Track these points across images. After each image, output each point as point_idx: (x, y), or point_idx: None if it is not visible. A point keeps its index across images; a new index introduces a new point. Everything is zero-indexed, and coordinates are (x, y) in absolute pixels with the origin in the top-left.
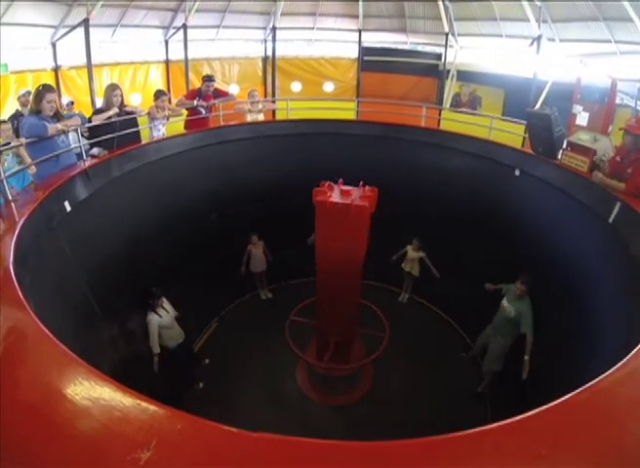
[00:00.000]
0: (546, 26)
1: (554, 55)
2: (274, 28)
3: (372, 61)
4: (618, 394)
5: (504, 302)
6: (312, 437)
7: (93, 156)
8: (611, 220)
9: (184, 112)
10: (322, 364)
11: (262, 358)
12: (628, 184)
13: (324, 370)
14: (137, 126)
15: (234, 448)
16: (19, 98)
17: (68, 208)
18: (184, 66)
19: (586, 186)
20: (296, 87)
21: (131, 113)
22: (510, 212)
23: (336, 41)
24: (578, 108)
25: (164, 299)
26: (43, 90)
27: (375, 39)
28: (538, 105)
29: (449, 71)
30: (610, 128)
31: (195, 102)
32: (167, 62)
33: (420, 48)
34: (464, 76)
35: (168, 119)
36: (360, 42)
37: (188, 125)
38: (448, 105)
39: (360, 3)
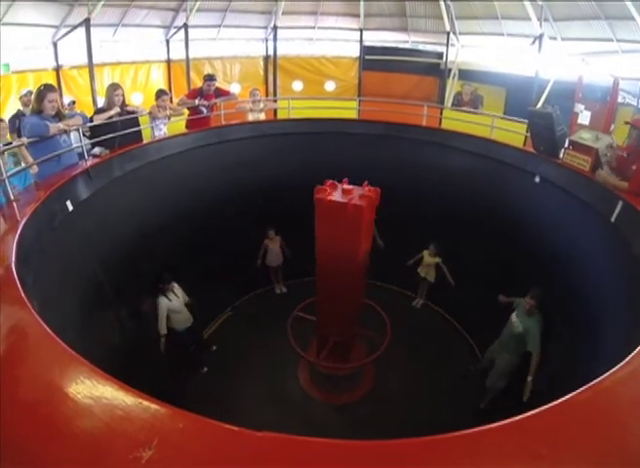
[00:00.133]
0: (548, 25)
1: (556, 53)
2: (275, 27)
3: (373, 60)
4: (619, 394)
5: (513, 317)
6: (314, 436)
7: (94, 156)
8: (613, 219)
9: (186, 112)
10: (318, 361)
11: (266, 353)
12: (631, 183)
13: (323, 369)
14: (138, 125)
15: (236, 448)
16: (20, 98)
17: (70, 207)
18: (186, 66)
19: (588, 185)
20: (297, 86)
21: (132, 113)
22: (511, 211)
23: (337, 40)
24: (579, 107)
25: (175, 285)
26: (44, 89)
27: (376, 38)
28: (539, 104)
29: (450, 70)
30: (612, 127)
31: (196, 102)
32: (168, 62)
33: (421, 47)
34: (466, 75)
35: (169, 118)
36: (361, 41)
37: (190, 124)
38: (449, 104)
39: (361, 2)
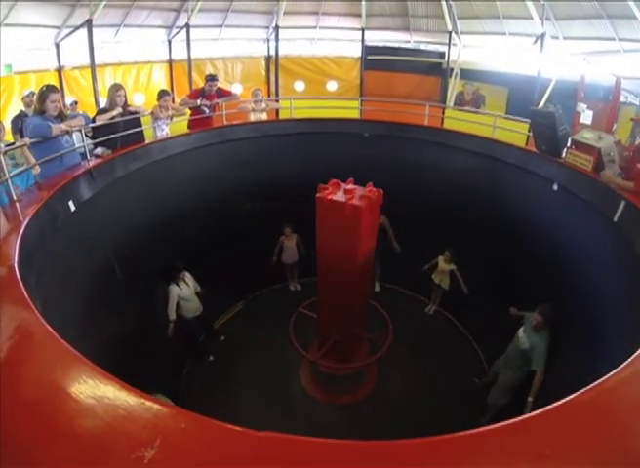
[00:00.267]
0: (550, 24)
1: (558, 53)
2: (277, 27)
3: (375, 60)
4: (622, 394)
5: (520, 332)
6: (315, 435)
7: (97, 156)
8: (615, 219)
9: (188, 112)
10: (315, 359)
11: (271, 349)
12: (638, 183)
13: (322, 368)
14: (140, 126)
15: (239, 448)
16: (23, 99)
17: (73, 207)
18: (187, 66)
19: (591, 185)
20: (299, 86)
21: (134, 113)
22: (513, 211)
23: (339, 40)
24: (582, 106)
25: (187, 274)
26: (47, 90)
27: (378, 38)
28: (542, 104)
29: (452, 70)
30: (614, 126)
31: (198, 102)
32: (170, 62)
33: (423, 46)
34: (468, 74)
35: (171, 119)
36: (363, 41)
37: (192, 124)
38: (451, 104)
39: (363, 2)
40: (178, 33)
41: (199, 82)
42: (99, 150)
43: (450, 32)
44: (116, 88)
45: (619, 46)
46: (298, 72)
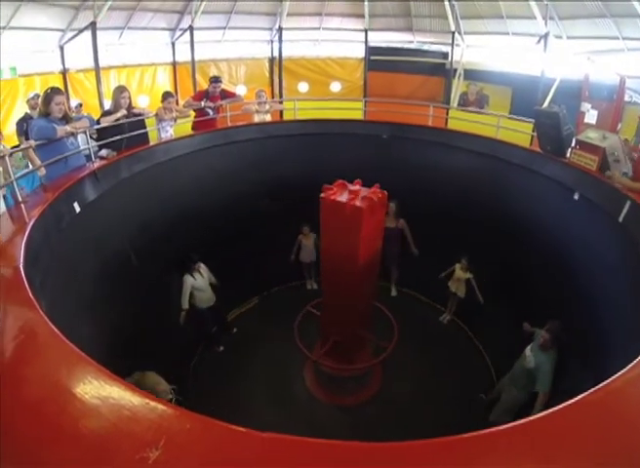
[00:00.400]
0: (553, 23)
1: (562, 52)
2: (280, 29)
3: (378, 61)
4: (630, 394)
5: (527, 350)
6: (320, 437)
7: (101, 158)
8: (621, 219)
9: (192, 113)
10: (314, 357)
11: (280, 346)
12: None
13: (323, 367)
14: (145, 127)
15: (243, 448)
16: (28, 101)
17: (78, 209)
18: (191, 68)
19: (595, 185)
20: (303, 87)
21: (139, 115)
22: (517, 211)
23: (342, 41)
24: (586, 106)
25: (202, 266)
26: (51, 92)
27: (381, 38)
28: (546, 103)
29: (456, 70)
30: (619, 125)
31: (202, 104)
32: (174, 64)
33: (426, 47)
34: (471, 75)
35: (175, 120)
36: (366, 42)
37: (196, 126)
38: (455, 104)
39: (366, 2)
40: (181, 35)
41: (203, 84)
42: (103, 152)
43: (453, 32)
44: (120, 90)
45: (622, 45)
46: (301, 73)
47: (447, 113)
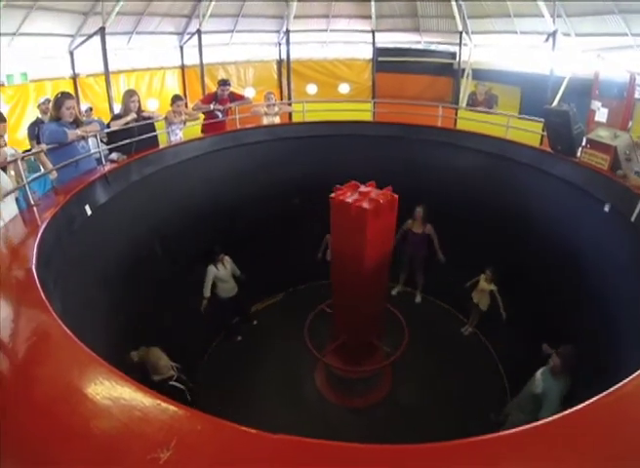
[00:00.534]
0: (561, 21)
1: (570, 50)
2: (288, 31)
3: (386, 62)
4: None
5: (538, 373)
6: (329, 437)
7: (112, 161)
8: (633, 219)
9: (201, 116)
10: (320, 356)
11: (298, 342)
12: None
13: (330, 366)
14: (154, 131)
15: (254, 450)
16: (39, 106)
17: (89, 211)
18: (200, 71)
19: (607, 184)
20: (311, 89)
21: (148, 118)
22: (528, 211)
23: (349, 42)
24: (596, 104)
25: (226, 258)
26: (62, 97)
27: (388, 39)
28: (555, 102)
29: (464, 70)
30: (630, 123)
31: (211, 106)
32: (182, 68)
33: (433, 47)
34: (480, 74)
35: (185, 123)
36: (374, 43)
37: (205, 129)
38: (464, 104)
39: (372, 4)
40: (189, 39)
41: (212, 87)
42: (114, 155)
43: (460, 32)
44: (130, 94)
45: (632, 41)
46: (309, 75)
47: (456, 113)
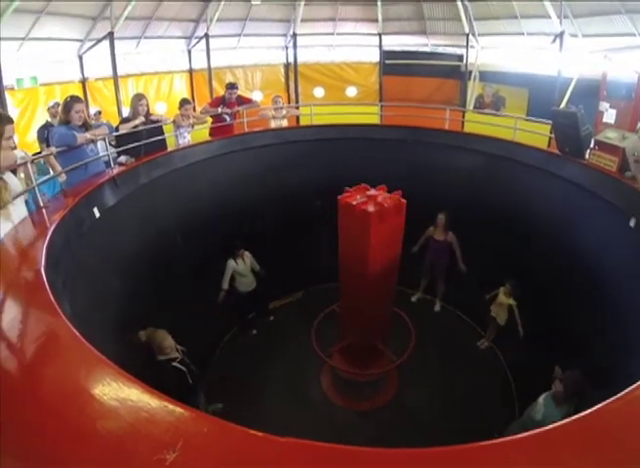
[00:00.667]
0: (568, 22)
1: (578, 51)
2: (295, 35)
3: (393, 65)
4: None
5: (541, 398)
6: (336, 441)
7: (120, 164)
8: None
9: (209, 120)
10: (324, 356)
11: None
12: None
13: (335, 369)
14: (162, 134)
15: (260, 452)
16: (48, 110)
17: (97, 214)
18: (208, 75)
19: (616, 187)
20: (318, 92)
21: (156, 122)
22: (535, 214)
23: (356, 46)
24: (604, 105)
25: (247, 253)
26: (71, 101)
27: (395, 42)
28: (563, 104)
29: (471, 72)
30: (638, 125)
31: (219, 110)
32: (190, 71)
33: (440, 49)
34: (487, 76)
35: (193, 127)
36: (381, 46)
37: (213, 132)
38: (471, 107)
39: (379, 7)
40: (197, 43)
41: (219, 90)
42: (122, 158)
43: (467, 34)
44: (138, 97)
45: (639, 41)
46: (317, 79)
47: (463, 116)
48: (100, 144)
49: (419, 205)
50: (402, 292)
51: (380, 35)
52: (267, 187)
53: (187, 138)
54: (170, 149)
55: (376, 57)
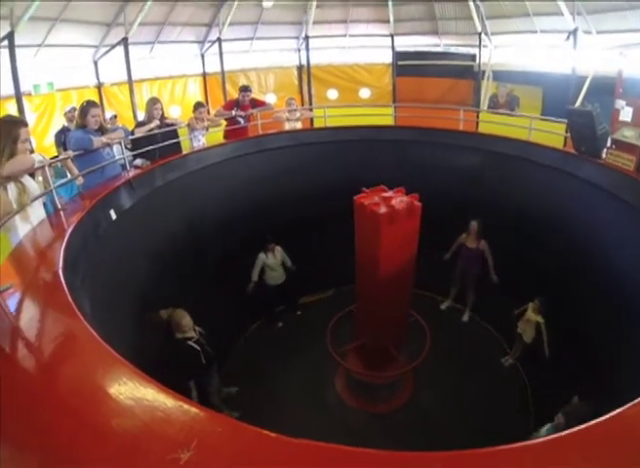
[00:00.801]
0: (581, 19)
1: (592, 48)
2: (307, 37)
3: (406, 66)
4: None
5: (543, 429)
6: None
7: (136, 167)
8: None
9: (223, 122)
10: (335, 352)
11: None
12: None
13: (347, 369)
14: (177, 137)
15: (273, 453)
16: (65, 114)
17: (114, 216)
18: (221, 78)
19: (634, 186)
20: (332, 94)
21: (171, 125)
22: (551, 215)
23: (369, 47)
24: (620, 103)
25: (278, 248)
26: (87, 105)
27: (407, 43)
28: (578, 102)
29: (484, 72)
30: None
31: (233, 112)
32: (204, 75)
33: (453, 49)
34: (501, 76)
35: (207, 129)
36: (393, 47)
37: (228, 134)
38: (485, 107)
39: (390, 7)
40: (210, 47)
41: (233, 93)
42: (138, 161)
43: (479, 33)
44: (153, 101)
45: None
46: (330, 80)
47: (477, 116)
48: (115, 148)
49: (437, 207)
50: (432, 300)
51: (392, 36)
52: (296, 186)
53: (202, 141)
54: (185, 152)
55: (388, 58)
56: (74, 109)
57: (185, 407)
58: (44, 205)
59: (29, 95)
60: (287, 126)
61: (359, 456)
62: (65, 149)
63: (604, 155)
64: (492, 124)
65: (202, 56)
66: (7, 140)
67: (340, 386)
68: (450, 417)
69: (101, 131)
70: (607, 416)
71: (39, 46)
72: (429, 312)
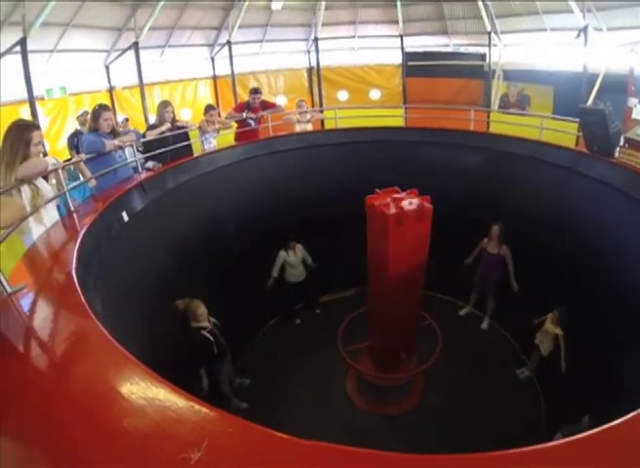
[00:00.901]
0: (592, 16)
1: (603, 45)
2: (316, 39)
3: (416, 66)
4: None
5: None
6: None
7: (148, 169)
8: None
9: (234, 125)
10: (341, 349)
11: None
12: None
13: (355, 369)
14: (188, 139)
15: (284, 454)
16: (77, 118)
17: (126, 218)
18: (231, 81)
19: None
20: (342, 96)
21: (182, 128)
22: (563, 216)
23: (378, 48)
24: (633, 101)
25: (299, 246)
26: (99, 109)
27: (417, 43)
28: (590, 101)
29: (494, 71)
30: None
31: (244, 115)
32: (214, 78)
33: (463, 49)
34: (511, 75)
35: (218, 132)
36: (402, 47)
37: (238, 137)
38: (496, 107)
39: (399, 8)
40: (220, 50)
41: (243, 96)
42: (150, 164)
43: (489, 33)
44: (164, 104)
45: None
46: (340, 82)
47: (488, 116)
48: (127, 151)
49: (449, 209)
50: (452, 305)
51: (401, 37)
52: (307, 188)
53: (213, 144)
54: (196, 154)
55: (398, 58)
56: (86, 113)
57: (197, 407)
58: (57, 207)
59: (42, 99)
60: (298, 128)
61: (369, 458)
62: (78, 152)
63: (617, 154)
64: (503, 124)
65: (212, 59)
66: (20, 144)
67: (351, 387)
68: (460, 421)
69: (114, 134)
70: (620, 420)
71: (51, 51)
72: (449, 317)
